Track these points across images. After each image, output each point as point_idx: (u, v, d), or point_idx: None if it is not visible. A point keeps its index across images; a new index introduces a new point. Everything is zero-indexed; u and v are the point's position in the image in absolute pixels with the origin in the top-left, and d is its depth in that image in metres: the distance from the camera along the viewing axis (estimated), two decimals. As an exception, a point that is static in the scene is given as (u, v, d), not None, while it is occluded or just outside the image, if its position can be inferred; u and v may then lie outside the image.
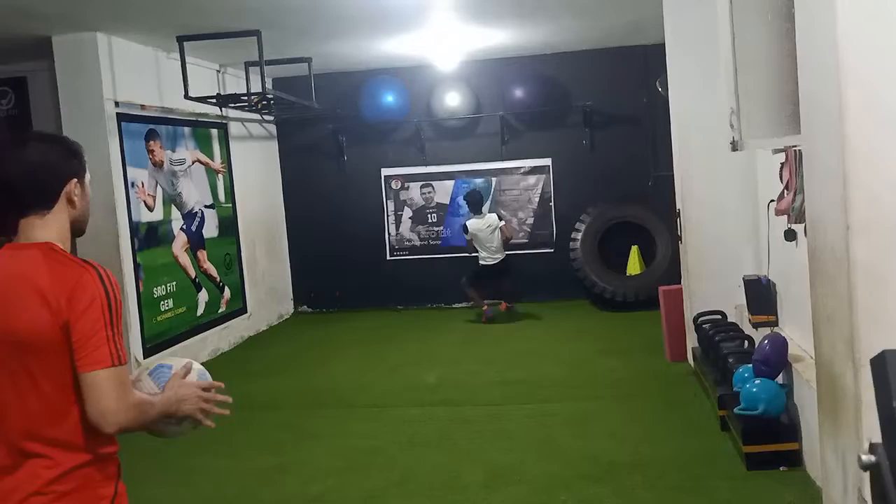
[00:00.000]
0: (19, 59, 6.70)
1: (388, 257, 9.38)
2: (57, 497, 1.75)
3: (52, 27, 5.89)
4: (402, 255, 9.38)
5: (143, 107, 6.65)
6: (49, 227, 1.83)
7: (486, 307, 8.27)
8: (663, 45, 5.97)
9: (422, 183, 9.24)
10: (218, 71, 7.95)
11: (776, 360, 4.20)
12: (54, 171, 1.85)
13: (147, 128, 6.82)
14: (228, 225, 8.17)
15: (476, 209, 8.25)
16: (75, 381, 1.75)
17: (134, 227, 6.55)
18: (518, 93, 8.71)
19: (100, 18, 5.77)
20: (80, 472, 1.78)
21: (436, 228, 9.23)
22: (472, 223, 8.23)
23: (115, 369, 1.74)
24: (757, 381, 4.14)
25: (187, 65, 6.43)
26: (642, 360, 6.31)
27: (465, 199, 8.48)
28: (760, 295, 4.83)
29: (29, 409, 1.76)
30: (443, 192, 9.21)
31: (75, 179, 1.88)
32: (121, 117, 6.41)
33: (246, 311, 8.40)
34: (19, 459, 1.76)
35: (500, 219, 8.31)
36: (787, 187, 4.28)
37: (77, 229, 1.91)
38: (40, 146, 1.87)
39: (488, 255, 8.23)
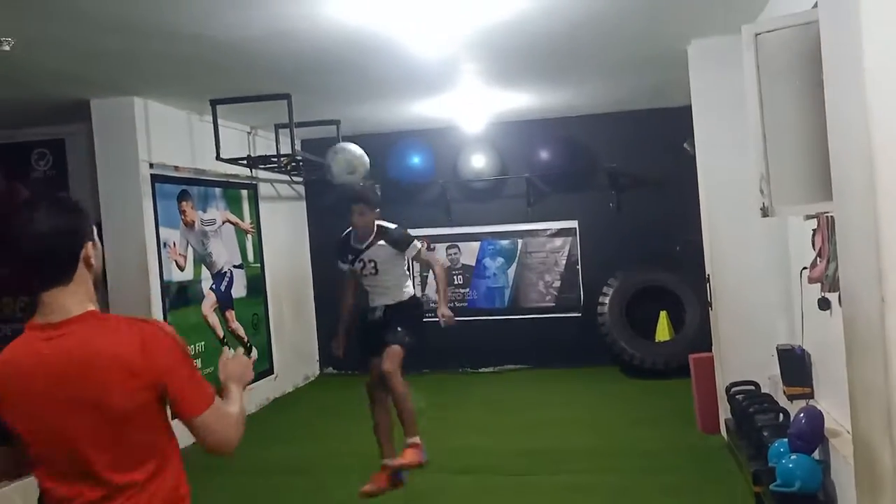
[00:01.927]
0: (58, 121, 6.91)
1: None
2: None
3: (90, 91, 6.07)
4: (428, 317, 9.28)
5: (176, 168, 6.78)
6: (77, 294, 1.81)
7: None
8: (690, 107, 5.97)
9: (447, 244, 9.24)
10: (248, 133, 8.11)
11: (812, 435, 4.03)
12: (70, 242, 1.81)
13: (180, 188, 6.94)
14: (256, 285, 8.21)
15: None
16: (162, 439, 1.88)
17: (165, 287, 6.60)
18: (544, 154, 8.75)
19: (137, 83, 5.94)
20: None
21: (462, 290, 9.18)
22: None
23: (216, 406, 1.91)
24: (793, 457, 3.97)
25: (219, 127, 6.57)
26: (673, 431, 6.11)
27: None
28: (795, 366, 4.68)
29: (121, 462, 1.81)
30: (469, 253, 9.19)
31: (91, 242, 1.86)
32: (155, 178, 6.53)
33: (273, 372, 8.36)
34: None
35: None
36: (819, 254, 4.18)
37: (97, 287, 1.91)
38: (51, 219, 1.79)
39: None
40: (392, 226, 4.90)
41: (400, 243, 4.84)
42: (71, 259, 1.80)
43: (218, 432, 1.89)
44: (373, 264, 4.82)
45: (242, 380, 2.09)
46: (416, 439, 4.65)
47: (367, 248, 4.83)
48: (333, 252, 5.20)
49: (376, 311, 4.93)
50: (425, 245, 4.89)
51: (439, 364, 9.12)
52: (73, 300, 1.79)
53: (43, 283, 1.79)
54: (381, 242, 4.81)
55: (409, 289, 5.03)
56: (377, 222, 4.86)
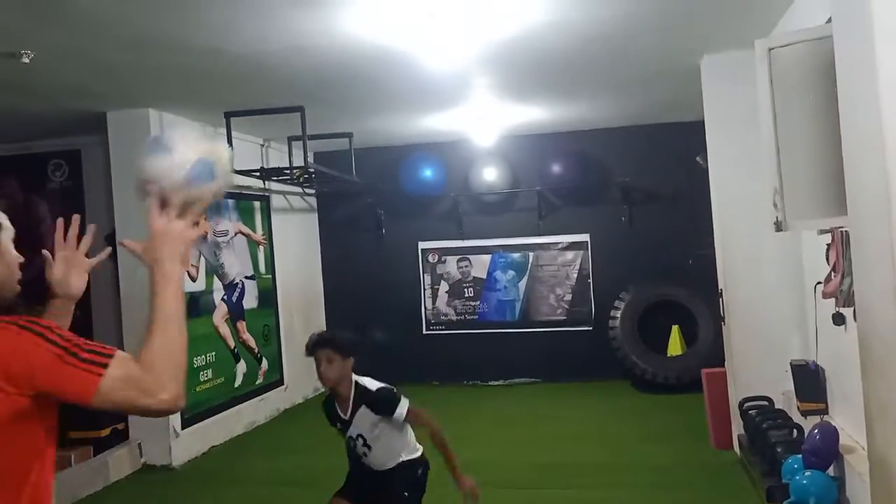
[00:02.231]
0: (74, 133, 6.98)
1: (425, 331, 9.32)
2: None
3: (107, 104, 6.14)
4: (439, 330, 9.32)
5: (189, 180, 6.81)
6: None
7: None
8: (702, 121, 5.97)
9: (459, 257, 9.25)
10: (262, 145, 8.16)
11: (827, 451, 4.00)
12: None
13: (192, 200, 6.97)
14: (268, 296, 8.23)
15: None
16: (27, 459, 1.52)
17: (176, 297, 6.61)
18: (555, 168, 8.75)
19: (152, 96, 6.00)
20: None
21: (472, 303, 9.17)
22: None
23: (105, 378, 1.48)
24: (807, 473, 3.94)
25: (233, 139, 6.61)
26: (686, 447, 6.07)
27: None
28: (809, 381, 4.64)
29: None
30: (480, 266, 9.19)
31: None
32: (167, 190, 6.56)
33: (283, 384, 8.37)
34: None
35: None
36: (834, 269, 4.15)
37: (3, 293, 1.66)
38: None
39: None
40: (373, 385, 3.69)
41: (383, 408, 3.60)
42: None
43: (136, 405, 1.50)
44: (362, 440, 3.66)
45: (177, 255, 1.64)
46: None
47: (351, 418, 3.65)
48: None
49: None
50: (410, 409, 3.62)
51: (449, 377, 9.10)
52: None
53: None
54: (362, 410, 3.62)
55: (410, 449, 3.83)
56: (354, 378, 3.67)
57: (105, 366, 1.49)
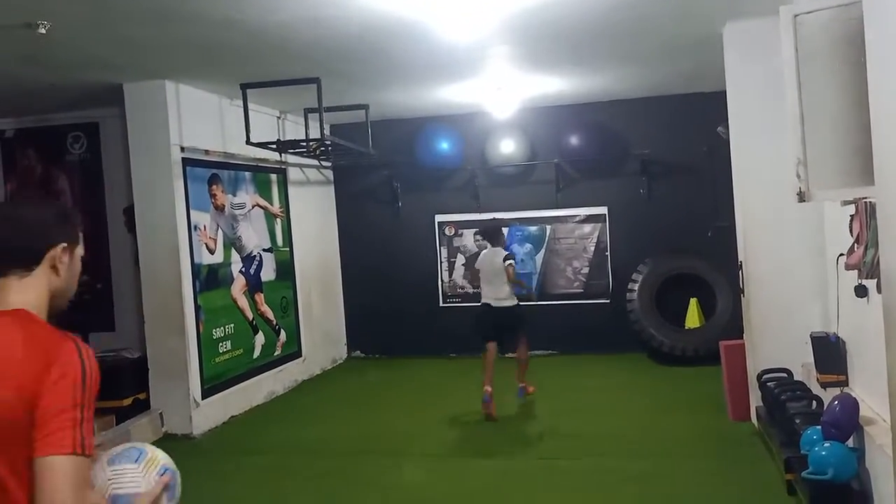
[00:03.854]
0: (92, 105, 7.00)
1: (441, 304, 9.34)
2: None
3: (124, 76, 6.14)
4: (455, 303, 9.34)
5: (207, 152, 6.84)
6: (26, 292, 1.67)
7: (487, 388, 6.43)
8: (724, 92, 5.88)
9: (475, 230, 9.23)
10: (278, 117, 8.15)
11: (847, 423, 3.98)
12: (41, 231, 1.71)
13: (210, 172, 7.00)
14: (285, 269, 8.27)
15: (494, 242, 6.88)
16: (29, 468, 1.50)
17: (196, 270, 6.68)
18: (574, 140, 8.68)
19: (169, 68, 5.99)
20: None
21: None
22: (482, 254, 7.02)
23: (77, 459, 1.49)
24: (826, 445, 3.92)
25: (249, 111, 6.61)
26: (703, 418, 6.07)
27: (482, 234, 7.61)
28: (829, 353, 4.61)
29: None
30: (497, 239, 9.15)
31: (64, 245, 1.72)
32: (186, 162, 6.59)
33: (301, 355, 8.44)
34: None
35: (508, 259, 6.62)
36: (857, 241, 4.10)
37: (56, 303, 1.73)
38: (32, 207, 1.78)
39: (491, 295, 6.69)
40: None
41: None
42: (31, 251, 1.69)
43: (56, 495, 1.46)
44: None
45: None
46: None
47: None
48: None
49: None
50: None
51: (465, 349, 9.13)
52: (18, 296, 1.66)
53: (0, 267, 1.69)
54: None
55: None
56: None
57: (82, 454, 1.51)
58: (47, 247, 1.70)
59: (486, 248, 7.03)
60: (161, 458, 1.79)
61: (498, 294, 6.67)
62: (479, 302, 6.88)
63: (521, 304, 6.79)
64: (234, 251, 7.32)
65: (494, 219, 8.11)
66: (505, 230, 7.33)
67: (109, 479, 1.67)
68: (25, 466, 1.51)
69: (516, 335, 6.85)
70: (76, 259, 1.77)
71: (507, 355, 8.97)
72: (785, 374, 5.32)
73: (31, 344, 1.57)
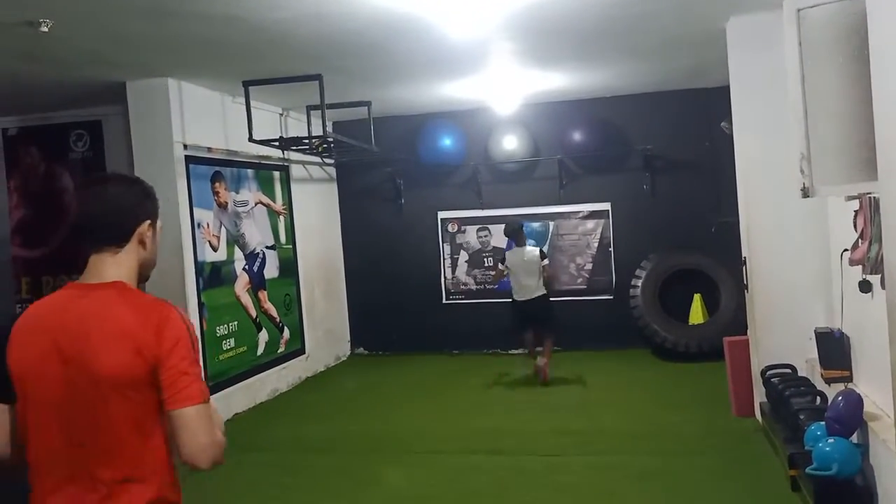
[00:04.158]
0: (95, 103, 7.00)
1: (444, 301, 9.34)
2: None
3: (126, 73, 6.14)
4: (458, 299, 9.34)
5: (209, 149, 6.84)
6: (119, 265, 1.86)
7: (537, 363, 7.42)
8: (727, 87, 5.86)
9: (478, 226, 9.22)
10: (281, 115, 8.15)
11: (851, 419, 3.97)
12: (130, 209, 1.89)
13: (213, 170, 7.01)
14: (289, 266, 8.28)
15: (518, 241, 7.64)
16: (150, 419, 1.79)
17: (199, 267, 6.68)
18: (577, 136, 8.66)
19: (171, 65, 5.98)
20: None
21: (492, 273, 9.16)
22: (509, 254, 7.70)
23: (205, 406, 1.78)
24: (830, 440, 3.92)
25: (252, 108, 6.60)
26: (707, 414, 6.06)
27: (504, 233, 8.06)
28: (833, 349, 4.60)
29: (105, 443, 1.78)
30: (499, 235, 9.13)
31: (149, 221, 1.92)
32: (189, 159, 6.60)
33: (304, 352, 8.45)
34: (98, 494, 1.78)
35: (544, 257, 7.53)
36: (861, 236, 4.09)
37: (143, 273, 1.93)
38: (119, 186, 1.92)
39: (521, 291, 7.48)
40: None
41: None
42: (123, 229, 1.87)
43: (199, 437, 1.75)
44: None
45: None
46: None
47: None
48: None
49: None
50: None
51: (468, 346, 9.14)
52: (113, 269, 1.85)
53: (93, 243, 1.86)
54: None
55: None
56: None
57: (207, 401, 1.80)
58: (136, 224, 1.89)
59: (511, 248, 7.81)
60: None
61: (525, 289, 7.44)
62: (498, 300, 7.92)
63: (548, 295, 7.53)
64: (237, 249, 7.32)
65: (512, 218, 8.37)
66: (524, 228, 7.92)
67: None
68: (146, 415, 1.78)
69: (545, 325, 7.50)
70: (158, 233, 1.97)
71: (510, 352, 8.99)
72: (789, 370, 5.31)
73: (138, 312, 1.79)
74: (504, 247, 9.06)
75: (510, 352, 9.03)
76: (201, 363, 1.86)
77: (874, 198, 3.70)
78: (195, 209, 6.66)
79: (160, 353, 1.75)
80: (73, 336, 1.78)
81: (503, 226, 8.78)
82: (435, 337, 9.24)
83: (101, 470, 1.78)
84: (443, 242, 9.32)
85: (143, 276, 1.93)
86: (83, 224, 1.88)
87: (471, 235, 9.25)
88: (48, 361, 1.79)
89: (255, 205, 7.71)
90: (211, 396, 1.85)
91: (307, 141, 7.20)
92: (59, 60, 5.46)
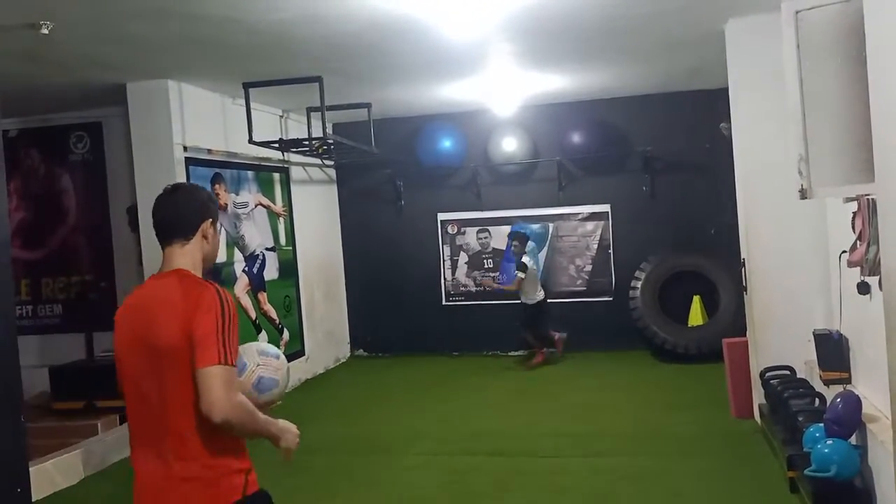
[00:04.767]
0: (95, 105, 7.01)
1: (444, 302, 9.35)
2: (202, 486, 2.14)
3: (126, 75, 6.15)
4: (458, 301, 9.34)
5: (209, 151, 6.85)
6: (186, 256, 2.27)
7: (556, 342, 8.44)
8: (726, 89, 5.87)
9: (478, 228, 9.23)
10: (281, 116, 8.16)
11: (849, 420, 3.97)
12: (195, 210, 2.31)
13: (213, 171, 7.01)
14: (288, 268, 8.28)
15: (526, 250, 8.31)
16: (193, 379, 2.10)
17: (197, 269, 6.67)
18: (576, 138, 8.67)
19: (171, 67, 5.99)
20: (215, 460, 2.15)
21: (491, 274, 9.17)
22: (531, 262, 8.30)
23: (222, 367, 2.08)
24: (829, 442, 3.92)
25: (252, 110, 6.61)
26: (706, 416, 6.07)
27: (514, 239, 8.37)
28: (832, 350, 4.61)
29: (172, 402, 2.13)
30: (499, 237, 9.17)
31: (210, 220, 2.33)
32: (189, 161, 6.60)
33: (304, 354, 8.45)
34: (169, 447, 2.14)
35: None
36: (859, 238, 4.10)
37: (207, 264, 2.33)
38: (187, 192, 2.37)
39: (534, 295, 8.34)
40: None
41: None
42: (190, 226, 2.29)
43: (212, 392, 2.05)
44: None
45: (283, 434, 2.39)
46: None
47: None
48: None
49: None
50: None
51: (468, 347, 9.14)
52: (180, 259, 2.27)
53: (167, 238, 2.29)
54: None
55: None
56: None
57: (226, 363, 2.10)
58: (200, 221, 2.30)
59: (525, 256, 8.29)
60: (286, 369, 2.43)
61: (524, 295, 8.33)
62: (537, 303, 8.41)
63: (529, 303, 8.33)
64: (237, 250, 7.33)
65: (514, 221, 8.98)
66: (528, 241, 8.47)
67: (259, 364, 2.34)
68: (189, 376, 2.10)
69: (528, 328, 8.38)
70: (217, 232, 2.37)
71: (510, 353, 9.00)
72: (788, 372, 5.31)
73: (185, 292, 2.16)
74: (504, 249, 9.09)
75: (510, 353, 9.04)
76: (236, 334, 2.14)
77: (872, 199, 3.70)
78: (195, 211, 6.65)
79: (193, 324, 2.09)
80: (144, 317, 2.19)
81: (507, 228, 8.85)
82: (435, 338, 9.24)
83: (166, 427, 2.14)
84: (442, 244, 9.32)
85: (206, 265, 2.32)
86: (159, 222, 2.30)
87: (470, 237, 9.26)
88: (129, 341, 2.21)
89: (255, 206, 7.71)
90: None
91: (307, 142, 7.21)
92: (60, 62, 5.47)
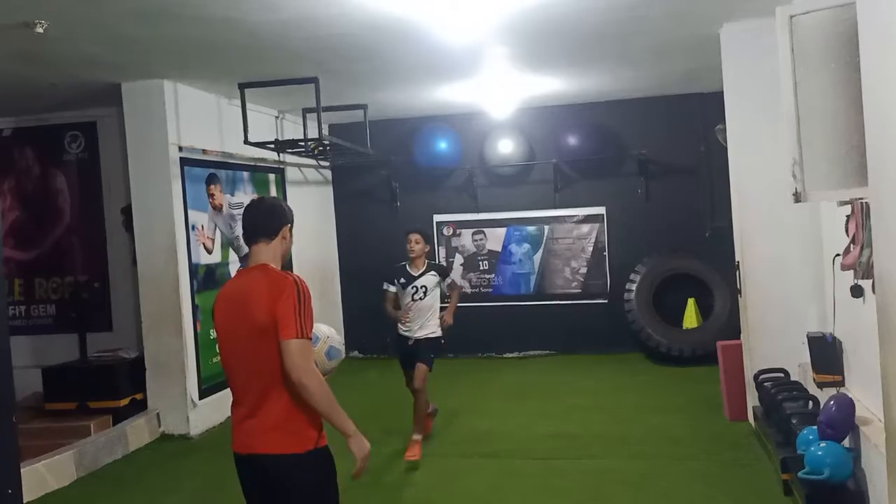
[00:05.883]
0: (90, 104, 7.00)
1: (439, 304, 9.32)
2: (283, 433, 2.71)
3: (121, 75, 6.13)
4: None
5: (204, 151, 6.83)
6: (268, 252, 2.82)
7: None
8: (721, 92, 5.88)
9: (474, 230, 9.23)
10: (276, 117, 8.15)
11: (843, 423, 3.98)
12: (279, 215, 2.87)
13: (208, 172, 7.00)
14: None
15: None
16: (278, 350, 2.64)
17: (193, 269, 6.67)
18: (572, 140, 8.68)
19: (166, 67, 5.98)
20: (295, 415, 2.70)
21: (487, 276, 9.18)
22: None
23: (300, 340, 2.64)
24: (822, 445, 3.93)
25: (247, 111, 6.60)
26: (700, 418, 6.08)
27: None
28: (826, 353, 4.62)
29: (264, 368, 2.68)
30: (494, 239, 9.17)
31: (289, 225, 2.89)
32: (184, 161, 6.59)
33: (297, 355, 8.42)
34: (261, 403, 2.71)
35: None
36: (853, 241, 4.11)
37: (283, 259, 2.87)
38: (273, 202, 3.04)
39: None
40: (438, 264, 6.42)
41: (444, 272, 6.11)
42: (273, 229, 2.83)
43: (291, 358, 2.61)
44: (423, 291, 5.79)
45: (360, 444, 2.90)
46: (420, 437, 5.62)
47: (419, 276, 5.80)
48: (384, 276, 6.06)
49: (409, 340, 5.84)
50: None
51: (463, 349, 9.13)
52: (264, 256, 2.81)
53: (254, 238, 2.83)
54: (430, 274, 5.83)
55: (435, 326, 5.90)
56: (426, 258, 5.94)
57: (303, 337, 2.66)
58: (281, 225, 2.85)
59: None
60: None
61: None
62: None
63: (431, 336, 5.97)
64: (231, 251, 7.32)
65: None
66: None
67: (328, 337, 3.05)
68: (276, 348, 2.65)
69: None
70: (292, 235, 2.91)
71: (505, 355, 8.99)
72: (782, 375, 5.33)
73: (270, 283, 2.70)
74: (499, 249, 9.09)
75: (504, 355, 9.04)
76: (311, 313, 2.68)
77: (866, 203, 3.72)
78: (190, 211, 6.65)
79: (276, 306, 2.63)
80: (238, 302, 2.75)
81: (503, 230, 8.86)
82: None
83: (258, 389, 2.71)
84: (438, 246, 9.32)
85: (283, 259, 2.86)
86: (248, 226, 2.85)
87: (466, 238, 9.26)
88: (228, 322, 2.79)
89: (250, 207, 7.69)
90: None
91: (303, 143, 7.20)
92: (55, 62, 5.46)
